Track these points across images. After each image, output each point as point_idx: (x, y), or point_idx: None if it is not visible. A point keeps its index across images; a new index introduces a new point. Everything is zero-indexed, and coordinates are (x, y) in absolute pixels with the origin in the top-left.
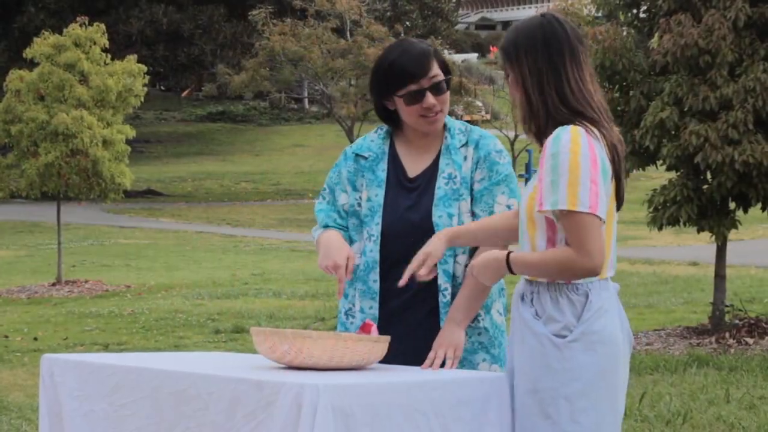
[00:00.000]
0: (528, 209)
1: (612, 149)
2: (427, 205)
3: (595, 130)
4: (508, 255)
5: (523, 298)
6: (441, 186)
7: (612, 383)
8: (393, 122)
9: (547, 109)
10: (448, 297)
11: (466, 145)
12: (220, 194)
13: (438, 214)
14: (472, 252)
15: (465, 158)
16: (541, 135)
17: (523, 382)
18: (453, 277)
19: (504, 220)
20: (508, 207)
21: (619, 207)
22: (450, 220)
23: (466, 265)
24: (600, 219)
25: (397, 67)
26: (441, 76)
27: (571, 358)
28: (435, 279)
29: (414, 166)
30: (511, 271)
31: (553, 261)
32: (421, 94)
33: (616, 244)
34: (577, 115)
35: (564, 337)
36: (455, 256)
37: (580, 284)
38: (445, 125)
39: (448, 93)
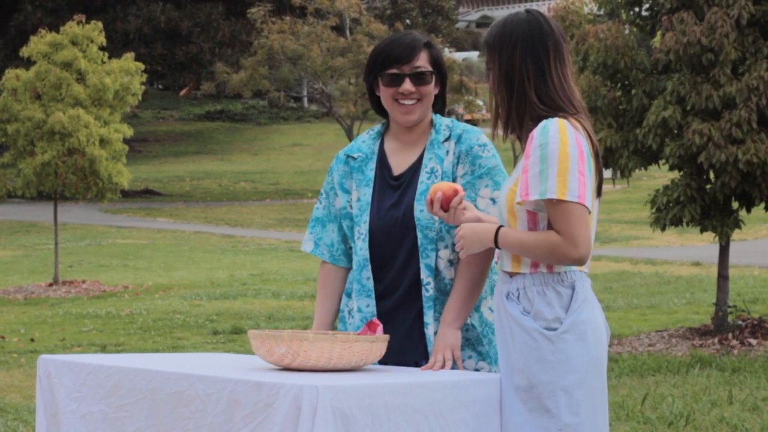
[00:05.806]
0: (508, 202)
1: (594, 144)
2: (409, 201)
3: (578, 124)
4: (498, 228)
5: (508, 296)
6: (423, 180)
7: (602, 371)
8: (383, 111)
9: (526, 104)
10: (431, 291)
11: (448, 139)
12: (218, 194)
13: (419, 209)
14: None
15: (447, 152)
16: (515, 129)
17: (517, 379)
18: (436, 271)
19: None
20: (492, 200)
21: (597, 195)
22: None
23: (449, 260)
24: (588, 209)
25: (384, 51)
26: (426, 68)
27: (564, 349)
28: (417, 275)
29: (400, 163)
30: (497, 245)
31: (543, 243)
32: (400, 79)
33: (594, 239)
34: (557, 110)
35: (555, 329)
36: (437, 250)
37: (565, 275)
38: (432, 122)
39: (431, 86)
